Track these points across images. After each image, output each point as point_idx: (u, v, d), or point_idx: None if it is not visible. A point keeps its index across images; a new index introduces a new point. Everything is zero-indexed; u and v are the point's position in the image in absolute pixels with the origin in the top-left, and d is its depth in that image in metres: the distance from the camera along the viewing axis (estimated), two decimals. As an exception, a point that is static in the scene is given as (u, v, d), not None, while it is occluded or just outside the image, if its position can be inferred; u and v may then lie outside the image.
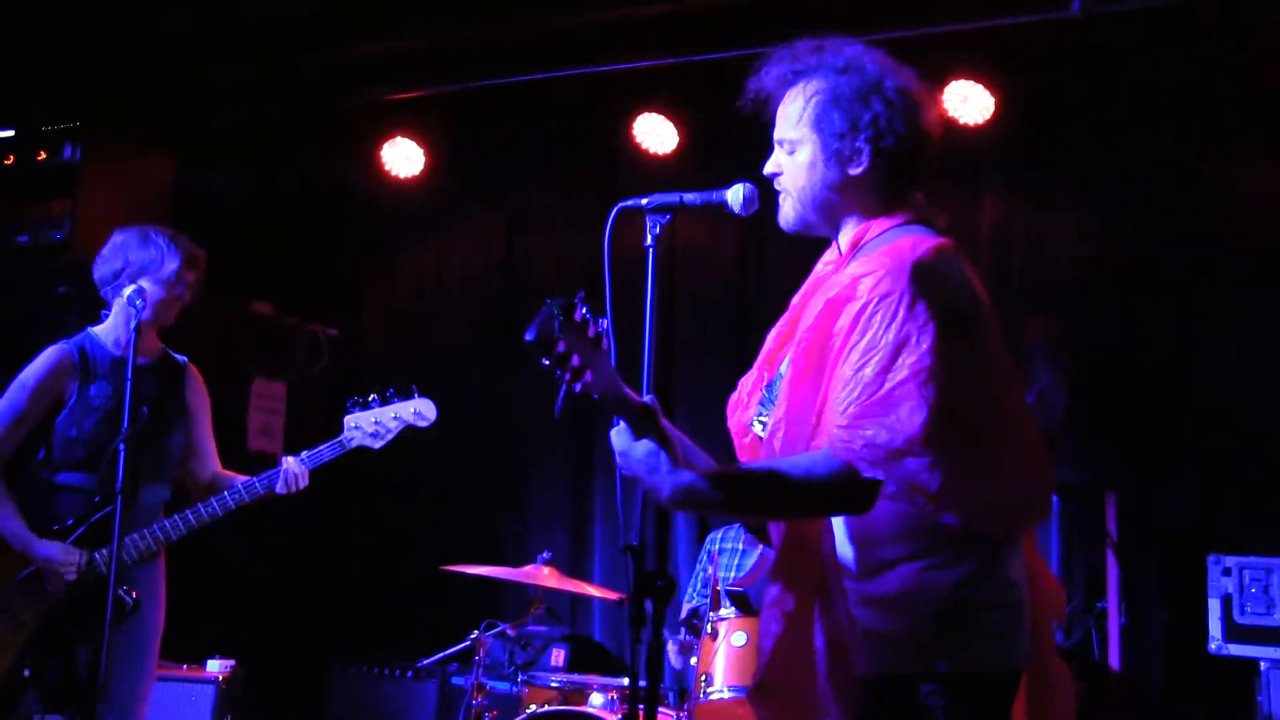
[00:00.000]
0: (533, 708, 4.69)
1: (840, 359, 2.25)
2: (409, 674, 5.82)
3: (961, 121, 5.71)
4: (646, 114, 6.25)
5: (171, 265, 4.09)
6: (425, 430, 4.30)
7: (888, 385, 2.18)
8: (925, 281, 2.22)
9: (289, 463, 4.07)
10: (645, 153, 6.32)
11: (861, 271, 2.30)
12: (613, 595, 5.00)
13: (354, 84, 6.51)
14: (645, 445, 2.23)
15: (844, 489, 2.20)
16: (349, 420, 4.17)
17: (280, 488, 4.05)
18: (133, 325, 3.78)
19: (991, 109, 5.71)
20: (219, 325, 6.34)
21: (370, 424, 4.17)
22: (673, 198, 2.47)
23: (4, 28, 5.93)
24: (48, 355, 4.08)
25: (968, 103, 5.70)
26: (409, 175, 6.83)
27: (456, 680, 5.73)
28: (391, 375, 7.00)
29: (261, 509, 5.97)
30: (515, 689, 4.91)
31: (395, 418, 4.19)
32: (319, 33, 6.06)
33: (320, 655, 6.21)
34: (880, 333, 2.20)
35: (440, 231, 7.17)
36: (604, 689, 4.68)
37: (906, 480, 2.17)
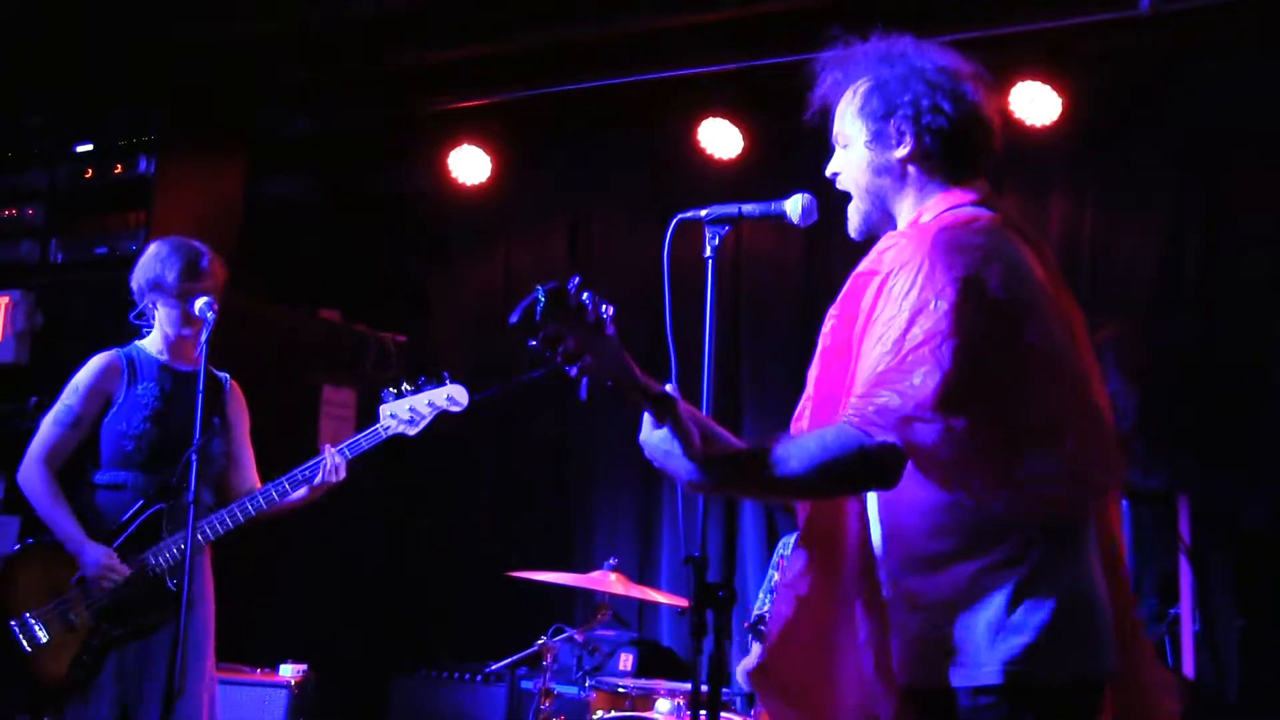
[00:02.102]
0: (599, 714, 4.70)
1: (865, 334, 2.21)
2: (478, 678, 5.85)
3: (1028, 123, 5.65)
4: (711, 119, 6.25)
5: (170, 277, 4.16)
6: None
7: (903, 351, 2.10)
8: (946, 249, 2.16)
9: (328, 453, 4.14)
10: (710, 158, 6.31)
11: (887, 245, 2.28)
12: (679, 601, 5.01)
13: (420, 91, 6.57)
14: (661, 432, 2.21)
15: (859, 458, 2.09)
16: (384, 409, 4.24)
17: (319, 479, 4.10)
18: (204, 337, 3.84)
19: (1059, 110, 5.64)
20: (288, 332, 6.44)
21: (405, 411, 4.23)
22: (731, 209, 2.47)
23: (79, 44, 6.06)
24: (96, 360, 4.24)
25: (1034, 104, 5.63)
26: (475, 182, 6.88)
27: (526, 685, 5.76)
28: (458, 381, 7.07)
29: (332, 513, 6.04)
30: (583, 694, 4.93)
31: (429, 404, 4.24)
32: (385, 41, 6.12)
33: (390, 660, 6.27)
34: (899, 301, 2.15)
35: (506, 238, 7.21)
36: (671, 694, 4.68)
37: (918, 447, 2.07)
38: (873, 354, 2.16)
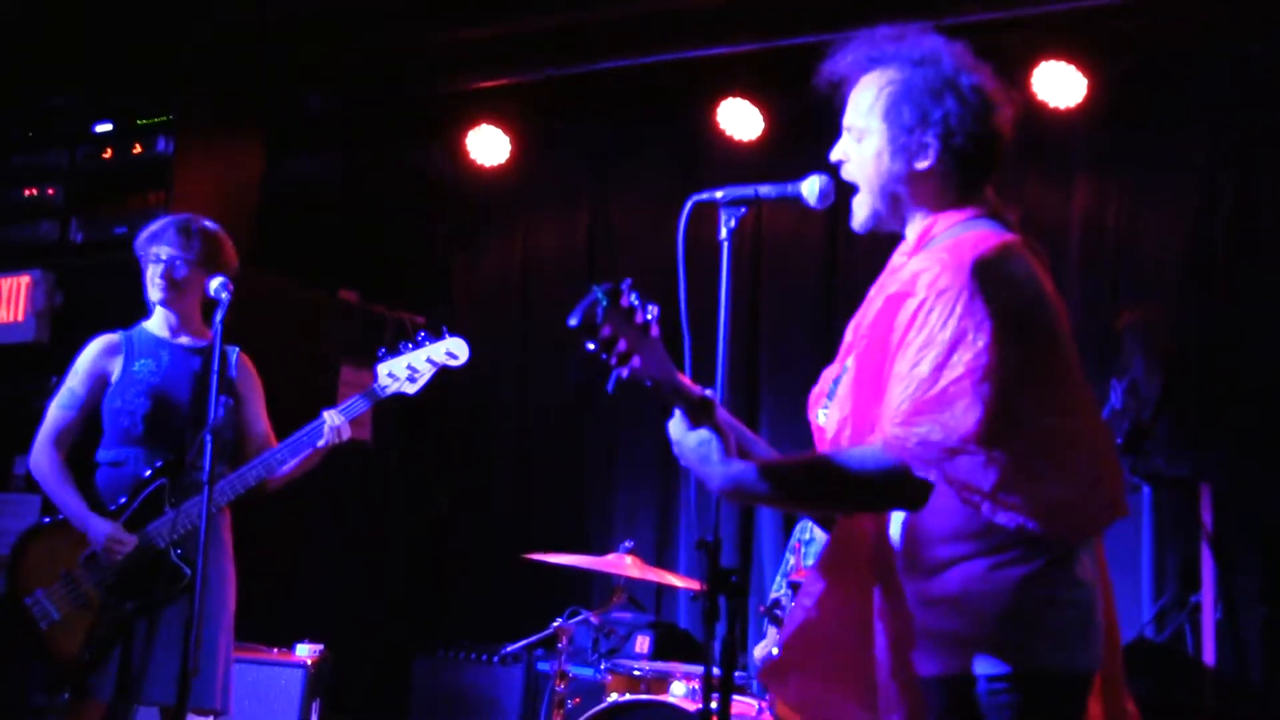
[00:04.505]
0: (613, 696, 4.70)
1: (898, 356, 2.22)
2: (494, 660, 5.86)
3: (1052, 105, 5.58)
4: (731, 99, 6.21)
5: (149, 242, 4.21)
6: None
7: (943, 382, 2.14)
8: (985, 277, 2.18)
9: (329, 416, 4.10)
10: (730, 139, 6.27)
11: (921, 267, 2.26)
12: (695, 585, 4.99)
13: (439, 72, 6.56)
14: (699, 435, 2.26)
15: (894, 487, 2.18)
16: (382, 368, 4.16)
17: (323, 442, 4.08)
18: (219, 317, 3.83)
19: (1084, 92, 5.58)
20: (306, 313, 6.44)
21: (404, 369, 4.15)
22: (747, 190, 2.44)
23: (98, 24, 6.06)
24: (95, 342, 4.26)
25: (1059, 86, 5.57)
26: (494, 163, 6.86)
27: (542, 666, 5.76)
28: (478, 363, 7.05)
29: (350, 494, 6.04)
30: (599, 676, 4.93)
31: (428, 360, 4.17)
32: (405, 21, 6.11)
33: (407, 640, 6.28)
34: (937, 329, 2.17)
35: (525, 219, 7.19)
36: (686, 678, 4.67)
37: (960, 479, 2.13)
38: (907, 377, 2.19)
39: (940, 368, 2.14)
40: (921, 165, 2.36)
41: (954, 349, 2.14)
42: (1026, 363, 2.17)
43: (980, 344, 2.13)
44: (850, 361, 2.39)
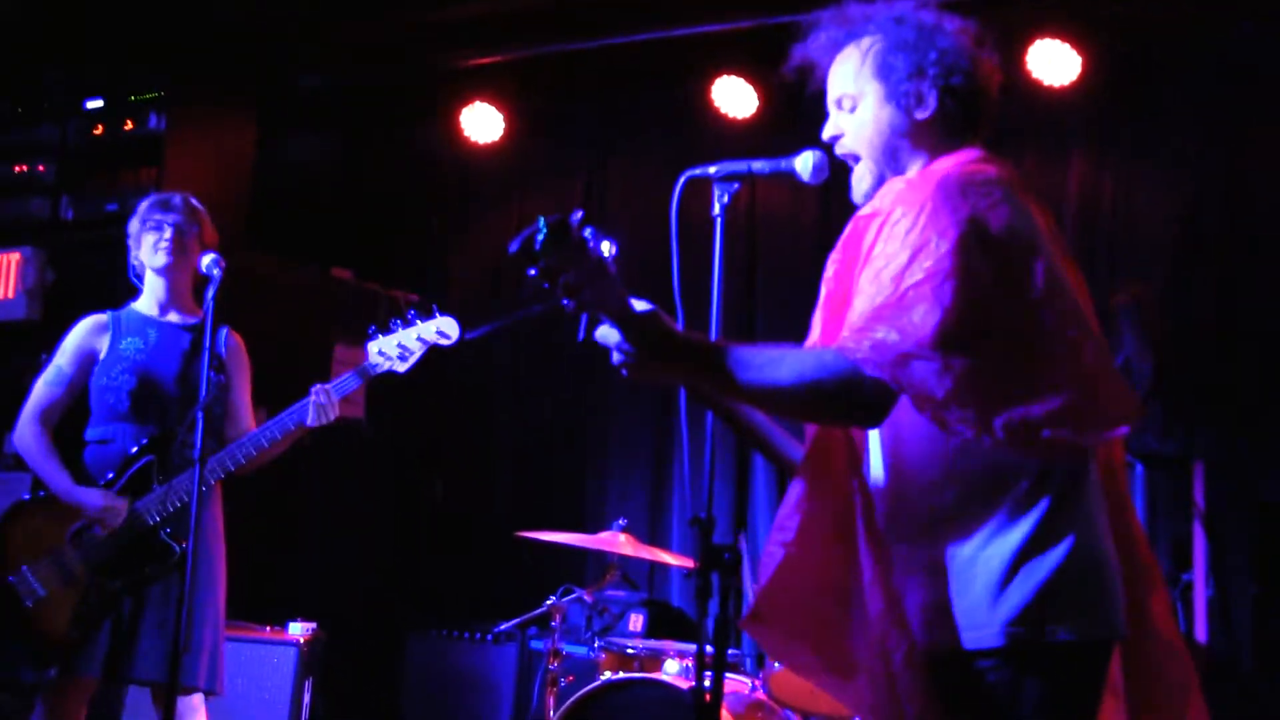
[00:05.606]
0: (608, 674, 4.70)
1: (863, 271, 2.17)
2: (488, 638, 5.86)
3: (1047, 83, 5.57)
4: (725, 77, 6.19)
5: (154, 209, 4.22)
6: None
7: (902, 288, 2.07)
8: (951, 191, 2.13)
9: (319, 393, 4.07)
10: (724, 117, 6.26)
11: (889, 189, 2.25)
12: (688, 563, 4.99)
13: (433, 49, 6.53)
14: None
15: (847, 388, 2.06)
16: (372, 347, 4.14)
17: (311, 420, 4.05)
18: (211, 294, 3.82)
19: (1078, 70, 5.57)
20: (300, 291, 6.42)
21: (394, 347, 4.13)
22: (741, 166, 2.41)
23: (93, 1, 6.03)
24: (84, 321, 4.26)
25: (1053, 64, 5.55)
26: (488, 140, 6.84)
27: (535, 644, 5.77)
28: (472, 342, 7.03)
29: (345, 472, 6.04)
30: (592, 654, 4.93)
31: (418, 338, 4.14)
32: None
33: (400, 619, 6.29)
34: (900, 239, 2.11)
35: (520, 196, 7.18)
36: (679, 655, 4.68)
37: (913, 385, 2.04)
38: (869, 289, 2.13)
39: (900, 275, 2.08)
40: (922, 115, 2.33)
41: (915, 257, 2.08)
42: (997, 273, 2.09)
43: (943, 250, 2.07)
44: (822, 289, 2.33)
